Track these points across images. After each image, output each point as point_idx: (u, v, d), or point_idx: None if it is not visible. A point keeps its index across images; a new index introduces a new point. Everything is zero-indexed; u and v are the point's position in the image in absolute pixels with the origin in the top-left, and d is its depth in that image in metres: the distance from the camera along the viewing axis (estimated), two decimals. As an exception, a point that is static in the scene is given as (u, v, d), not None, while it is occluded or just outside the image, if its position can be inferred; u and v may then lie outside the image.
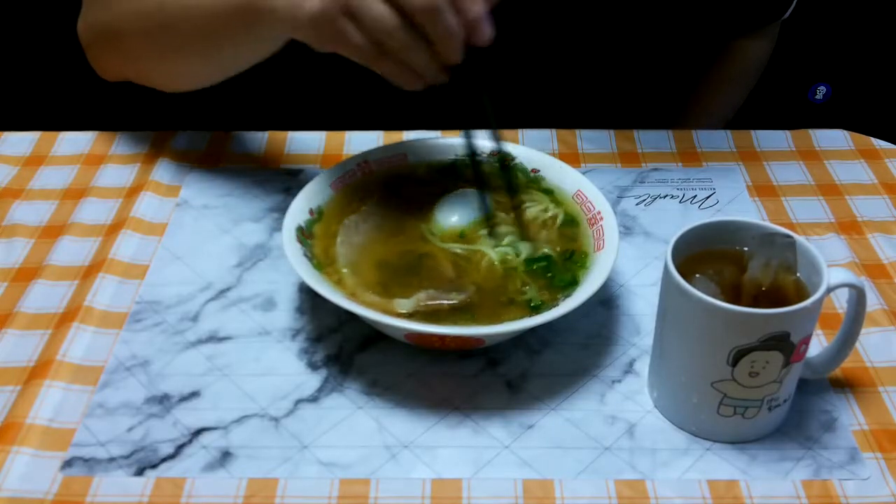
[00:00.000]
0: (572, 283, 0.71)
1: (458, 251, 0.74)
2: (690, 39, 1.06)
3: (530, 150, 0.83)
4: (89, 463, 0.64)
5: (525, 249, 0.74)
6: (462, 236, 0.76)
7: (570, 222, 0.77)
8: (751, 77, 1.10)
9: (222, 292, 0.77)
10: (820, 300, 0.61)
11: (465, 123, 0.94)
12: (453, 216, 0.77)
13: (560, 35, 1.00)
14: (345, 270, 0.71)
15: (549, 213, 0.78)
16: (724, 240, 0.66)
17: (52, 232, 0.84)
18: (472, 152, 0.79)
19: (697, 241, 0.65)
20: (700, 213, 0.86)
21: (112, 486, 0.62)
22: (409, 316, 0.68)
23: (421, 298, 0.69)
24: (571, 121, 0.98)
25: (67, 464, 0.64)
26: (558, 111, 1.04)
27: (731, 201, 0.88)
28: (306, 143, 0.95)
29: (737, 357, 0.61)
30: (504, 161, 0.82)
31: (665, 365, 0.66)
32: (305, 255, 0.71)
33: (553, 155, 0.83)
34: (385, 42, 0.67)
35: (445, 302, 0.69)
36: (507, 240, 0.75)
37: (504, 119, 0.96)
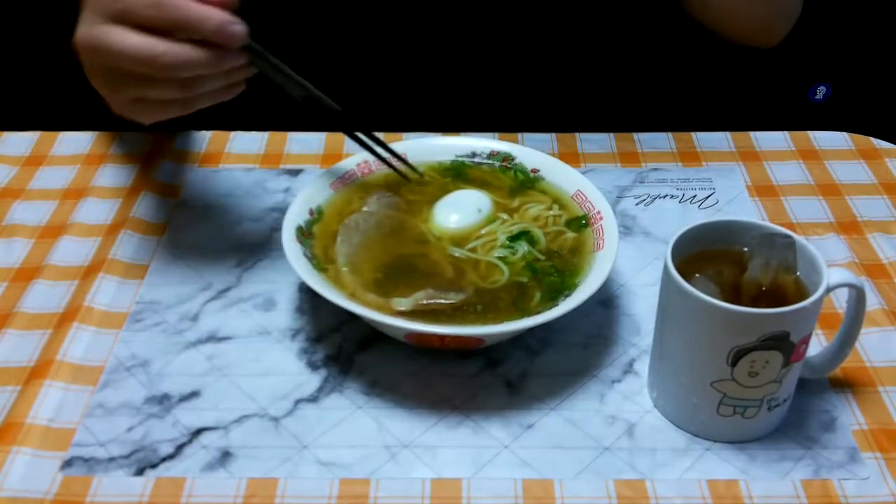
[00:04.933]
0: (572, 283, 0.71)
1: (457, 252, 0.74)
2: (688, 44, 1.06)
3: (530, 150, 0.83)
4: (89, 463, 0.64)
5: (525, 249, 0.74)
6: (462, 237, 0.76)
7: (571, 222, 0.77)
8: None
9: (222, 292, 0.77)
10: (819, 300, 0.61)
11: (465, 125, 0.94)
12: (453, 216, 0.77)
13: (560, 39, 1.00)
14: (344, 269, 0.71)
15: (552, 213, 0.78)
16: (724, 240, 0.66)
17: (51, 232, 0.84)
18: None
19: (697, 241, 0.65)
20: (700, 213, 0.86)
21: (112, 486, 0.63)
22: (409, 315, 0.68)
23: (420, 298, 0.69)
24: (571, 125, 0.98)
25: (67, 464, 0.64)
26: (558, 116, 1.04)
27: (731, 201, 0.88)
28: (306, 143, 0.95)
29: (736, 357, 0.61)
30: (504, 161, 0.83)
31: (665, 365, 0.66)
32: (305, 255, 0.71)
33: (553, 155, 0.83)
34: (147, 69, 0.65)
35: (444, 301, 0.69)
36: (507, 240, 0.75)
37: (505, 123, 0.96)
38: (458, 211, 0.78)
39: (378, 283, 0.71)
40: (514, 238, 0.75)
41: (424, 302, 0.69)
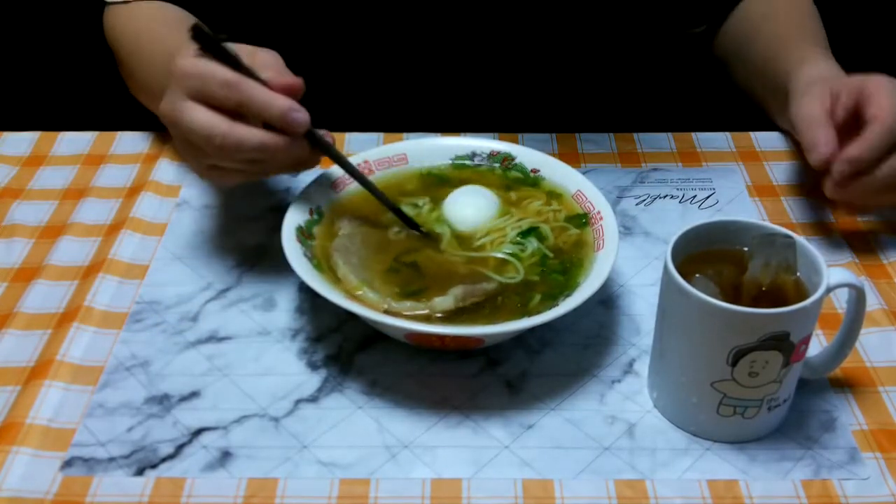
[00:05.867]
0: (573, 283, 0.71)
1: (458, 255, 0.74)
2: (690, 41, 1.06)
3: (530, 150, 0.83)
4: (89, 463, 0.64)
5: (535, 246, 0.74)
6: (470, 234, 0.76)
7: (571, 219, 0.77)
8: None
9: (222, 292, 0.77)
10: (819, 300, 0.61)
11: (465, 125, 0.94)
12: (467, 211, 0.77)
13: (559, 40, 1.00)
14: (365, 289, 0.70)
15: (551, 209, 0.78)
16: (724, 240, 0.66)
17: (52, 232, 0.84)
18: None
19: (697, 241, 0.65)
20: (700, 213, 0.86)
21: (112, 486, 0.63)
22: (454, 312, 0.68)
23: (457, 294, 0.69)
24: (571, 125, 0.98)
25: (67, 464, 0.64)
26: (558, 116, 1.04)
27: (731, 201, 0.88)
28: (306, 143, 0.95)
29: (736, 357, 0.61)
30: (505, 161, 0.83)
31: (665, 365, 0.66)
32: (305, 255, 0.71)
33: (553, 155, 0.83)
34: (210, 147, 0.68)
35: (482, 292, 0.69)
36: (516, 236, 0.75)
37: (505, 123, 0.96)
38: (469, 206, 0.77)
39: (401, 293, 0.70)
40: (524, 234, 0.75)
41: (463, 296, 0.69)
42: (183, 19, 0.94)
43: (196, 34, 0.68)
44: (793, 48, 0.92)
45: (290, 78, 0.69)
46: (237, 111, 0.68)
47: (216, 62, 0.68)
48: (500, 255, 0.73)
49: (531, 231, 0.76)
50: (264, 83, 0.68)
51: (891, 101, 0.76)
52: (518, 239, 0.75)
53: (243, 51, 0.71)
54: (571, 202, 0.78)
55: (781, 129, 0.96)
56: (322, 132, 0.72)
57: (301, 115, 0.68)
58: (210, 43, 0.68)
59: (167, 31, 0.91)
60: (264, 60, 0.71)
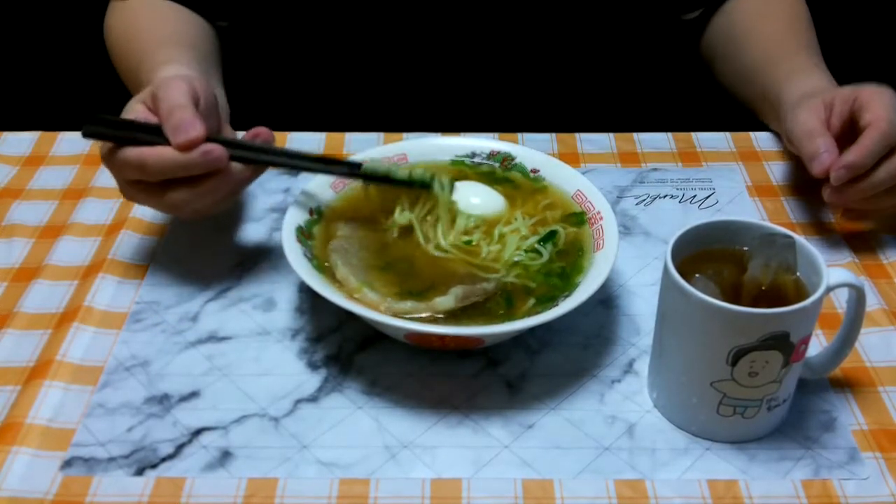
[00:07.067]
0: (572, 283, 0.71)
1: (453, 255, 0.74)
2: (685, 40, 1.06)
3: (530, 150, 0.83)
4: (89, 463, 0.64)
5: (549, 250, 0.74)
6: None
7: (568, 217, 0.77)
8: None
9: (222, 292, 0.77)
10: (819, 300, 0.61)
11: (465, 125, 0.94)
12: (474, 199, 0.77)
13: (559, 40, 1.00)
14: (366, 289, 0.70)
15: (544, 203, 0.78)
16: (724, 240, 0.66)
17: (51, 232, 0.84)
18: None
19: (697, 241, 0.65)
20: (700, 213, 0.86)
21: (112, 486, 0.63)
22: (455, 311, 0.68)
23: (458, 293, 0.69)
24: (571, 125, 0.98)
25: (67, 464, 0.64)
26: (558, 116, 1.04)
27: (731, 201, 0.88)
28: (306, 143, 0.95)
29: (736, 357, 0.61)
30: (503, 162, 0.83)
31: (665, 365, 0.66)
32: (305, 255, 0.71)
33: (553, 155, 0.83)
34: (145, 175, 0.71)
35: (482, 291, 0.69)
36: (536, 242, 0.75)
37: (505, 123, 0.96)
38: (476, 196, 0.77)
39: (402, 293, 0.70)
40: (545, 239, 0.75)
41: (464, 295, 0.69)
42: (168, 18, 0.94)
43: (88, 134, 0.73)
44: (784, 58, 0.93)
45: (190, 133, 0.69)
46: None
47: (123, 146, 0.71)
48: (500, 277, 0.72)
49: (550, 236, 0.75)
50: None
51: (885, 107, 0.77)
52: (535, 245, 0.74)
53: (147, 98, 0.74)
54: (571, 204, 0.78)
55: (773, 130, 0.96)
56: (252, 133, 0.74)
57: (214, 155, 0.69)
58: (104, 132, 0.72)
59: (145, 36, 0.92)
60: (172, 101, 0.71)
